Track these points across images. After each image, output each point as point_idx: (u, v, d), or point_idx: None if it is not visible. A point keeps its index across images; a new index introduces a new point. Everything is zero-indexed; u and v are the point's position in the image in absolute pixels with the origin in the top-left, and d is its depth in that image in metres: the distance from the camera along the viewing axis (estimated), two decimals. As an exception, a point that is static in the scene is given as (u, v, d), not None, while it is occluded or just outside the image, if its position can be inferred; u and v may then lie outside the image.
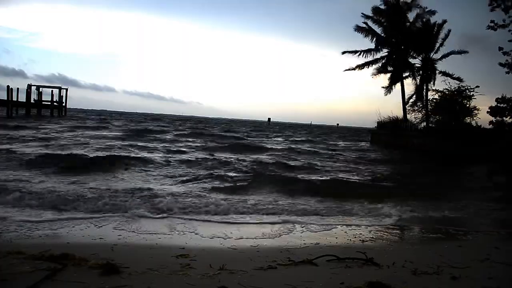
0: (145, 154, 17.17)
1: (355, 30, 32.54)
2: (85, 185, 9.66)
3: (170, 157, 16.86)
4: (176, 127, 48.71)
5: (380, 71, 33.03)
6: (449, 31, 30.19)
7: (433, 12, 30.63)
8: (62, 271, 3.78)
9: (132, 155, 16.55)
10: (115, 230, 6.27)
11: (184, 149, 21.27)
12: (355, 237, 6.58)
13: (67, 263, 3.98)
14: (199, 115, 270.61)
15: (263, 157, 19.51)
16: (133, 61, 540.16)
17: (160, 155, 17.70)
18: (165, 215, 7.45)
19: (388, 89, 33.03)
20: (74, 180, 10.32)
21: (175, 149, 21.11)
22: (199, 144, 24.98)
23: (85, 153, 15.92)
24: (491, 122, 26.00)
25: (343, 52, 33.35)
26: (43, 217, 6.71)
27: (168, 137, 30.89)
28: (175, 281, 3.87)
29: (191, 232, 6.38)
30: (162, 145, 23.24)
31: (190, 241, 5.89)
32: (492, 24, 21.54)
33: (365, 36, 32.52)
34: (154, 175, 12.19)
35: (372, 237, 6.67)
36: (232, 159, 17.06)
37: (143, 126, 44.37)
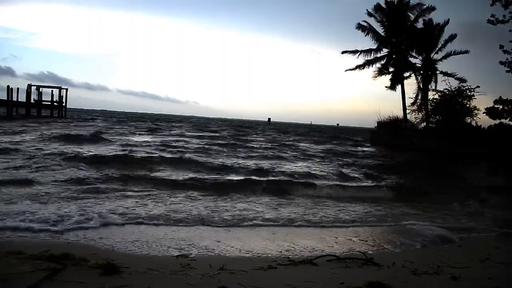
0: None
1: (357, 28, 32.49)
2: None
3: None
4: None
5: (381, 72, 32.97)
6: (453, 35, 30.20)
7: (432, 8, 30.63)
8: (62, 271, 3.78)
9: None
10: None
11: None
12: (355, 237, 6.58)
13: (67, 263, 3.97)
14: (199, 115, 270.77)
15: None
16: (129, 60, 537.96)
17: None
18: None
19: (392, 88, 32.97)
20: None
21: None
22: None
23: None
24: (490, 127, 26.00)
25: (343, 52, 33.28)
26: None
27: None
28: (175, 281, 3.87)
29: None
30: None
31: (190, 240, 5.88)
32: (492, 19, 21.49)
33: (366, 35, 32.45)
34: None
35: (372, 237, 6.67)
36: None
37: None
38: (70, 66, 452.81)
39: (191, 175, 11.91)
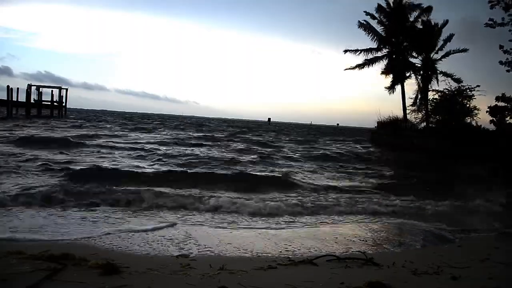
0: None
1: (358, 27, 32.51)
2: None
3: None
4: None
5: (386, 71, 32.96)
6: (452, 34, 30.25)
7: (429, 9, 30.60)
8: (62, 271, 3.78)
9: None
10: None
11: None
12: (355, 237, 6.58)
13: (67, 263, 3.97)
14: (199, 115, 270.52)
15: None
16: (129, 60, 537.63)
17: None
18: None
19: (391, 89, 33.03)
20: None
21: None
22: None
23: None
24: (491, 121, 25.99)
25: (345, 51, 33.27)
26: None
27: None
28: (175, 281, 3.86)
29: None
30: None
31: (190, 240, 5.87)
32: (491, 22, 21.48)
33: (367, 34, 32.45)
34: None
35: (372, 237, 6.67)
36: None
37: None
38: (69, 66, 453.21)
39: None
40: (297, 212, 8.26)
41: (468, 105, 27.68)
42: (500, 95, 25.33)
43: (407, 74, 32.47)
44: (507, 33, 21.39)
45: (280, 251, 5.46)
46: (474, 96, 27.54)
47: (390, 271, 4.49)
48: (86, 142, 20.39)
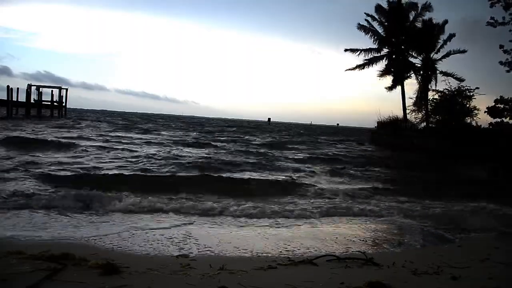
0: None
1: (358, 29, 32.60)
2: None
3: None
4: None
5: (384, 72, 33.01)
6: (452, 34, 30.28)
7: (428, 7, 30.59)
8: (62, 271, 3.78)
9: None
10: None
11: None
12: (355, 237, 6.58)
13: (67, 263, 3.97)
14: (199, 115, 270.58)
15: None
16: (129, 60, 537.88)
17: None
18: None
19: (392, 89, 33.11)
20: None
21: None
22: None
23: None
24: (490, 124, 26.04)
25: (345, 50, 33.38)
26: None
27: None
28: (175, 281, 3.86)
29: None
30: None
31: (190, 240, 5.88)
32: (492, 21, 21.51)
33: (366, 34, 32.53)
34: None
35: (372, 237, 6.67)
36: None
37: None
38: (69, 66, 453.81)
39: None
40: (297, 213, 8.25)
41: (468, 105, 27.72)
42: (499, 97, 25.44)
43: (407, 74, 32.53)
44: (507, 33, 21.49)
45: (280, 251, 5.46)
46: (474, 96, 27.61)
47: (390, 271, 4.49)
48: (81, 143, 20.22)
